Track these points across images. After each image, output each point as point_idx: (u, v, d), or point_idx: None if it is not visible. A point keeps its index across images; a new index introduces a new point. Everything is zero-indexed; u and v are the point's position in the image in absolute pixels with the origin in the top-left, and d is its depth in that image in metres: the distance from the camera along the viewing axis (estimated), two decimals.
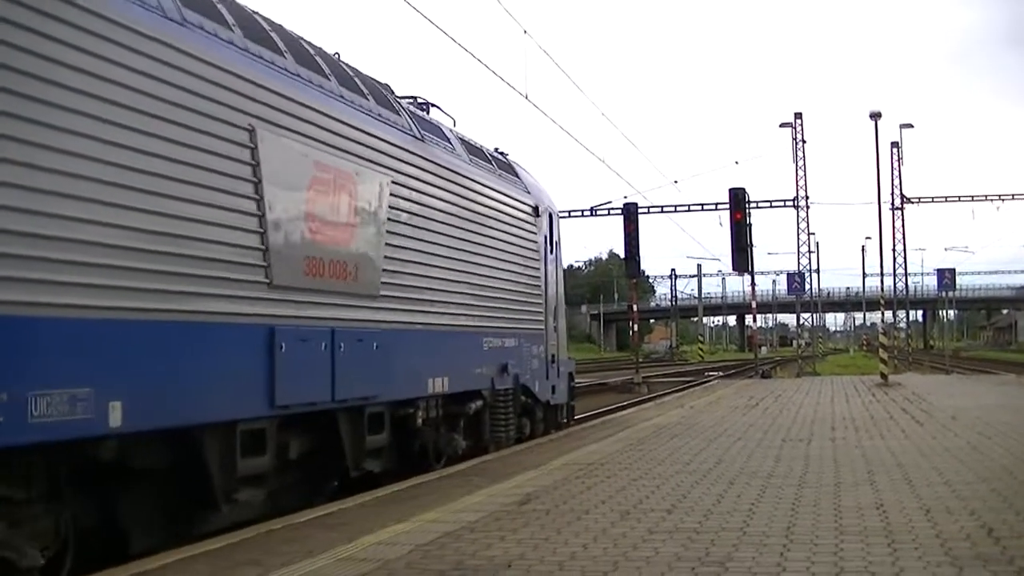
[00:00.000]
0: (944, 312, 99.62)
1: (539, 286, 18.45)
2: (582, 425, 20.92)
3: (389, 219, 12.29)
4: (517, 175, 18.41)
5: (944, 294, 56.85)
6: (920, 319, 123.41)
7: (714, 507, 9.51)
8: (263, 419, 9.79)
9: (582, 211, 55.97)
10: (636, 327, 56.52)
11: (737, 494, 10.29)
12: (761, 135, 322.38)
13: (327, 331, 10.79)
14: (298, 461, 10.88)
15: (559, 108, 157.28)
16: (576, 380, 22.51)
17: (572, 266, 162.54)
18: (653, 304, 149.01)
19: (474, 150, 16.34)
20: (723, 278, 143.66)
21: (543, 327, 18.65)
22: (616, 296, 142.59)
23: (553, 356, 19.25)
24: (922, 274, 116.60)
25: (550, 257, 19.43)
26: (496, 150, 18.27)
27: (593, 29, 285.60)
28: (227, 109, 9.22)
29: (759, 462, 12.90)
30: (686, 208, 57.16)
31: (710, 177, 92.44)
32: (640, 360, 55.74)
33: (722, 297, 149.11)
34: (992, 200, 64.24)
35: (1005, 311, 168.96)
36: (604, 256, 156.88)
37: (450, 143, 15.14)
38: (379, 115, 12.73)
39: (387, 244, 12.20)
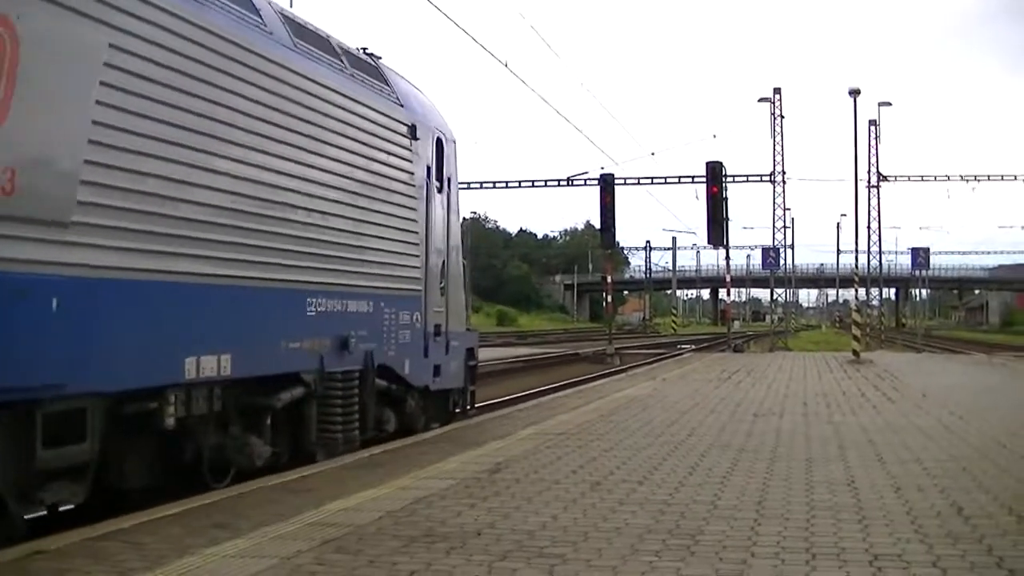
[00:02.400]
0: (917, 291, 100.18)
1: (415, 232, 13.96)
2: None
3: (102, 103, 7.97)
4: (386, 81, 13.79)
5: (917, 273, 57.12)
6: (893, 297, 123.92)
7: (685, 479, 9.52)
8: None
9: (558, 181, 55.97)
10: (610, 298, 56.56)
11: (708, 467, 10.30)
12: (739, 109, 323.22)
13: None
14: None
15: (539, 78, 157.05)
16: (480, 357, 17.75)
17: (548, 236, 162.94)
18: (627, 276, 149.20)
19: (307, 35, 11.78)
20: (698, 251, 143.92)
21: (420, 288, 14.07)
22: (591, 267, 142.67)
23: (438, 327, 14.75)
24: (896, 252, 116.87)
25: (437, 197, 14.91)
26: (364, 50, 13.92)
27: None
28: None
29: (731, 435, 12.92)
30: (663, 180, 57.28)
31: (687, 150, 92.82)
32: (613, 331, 55.78)
33: (696, 270, 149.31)
34: (967, 180, 64.64)
35: (977, 291, 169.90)
36: (580, 227, 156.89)
37: (259, 17, 10.60)
38: None
39: (95, 142, 7.92)
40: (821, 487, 9.11)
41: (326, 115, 11.58)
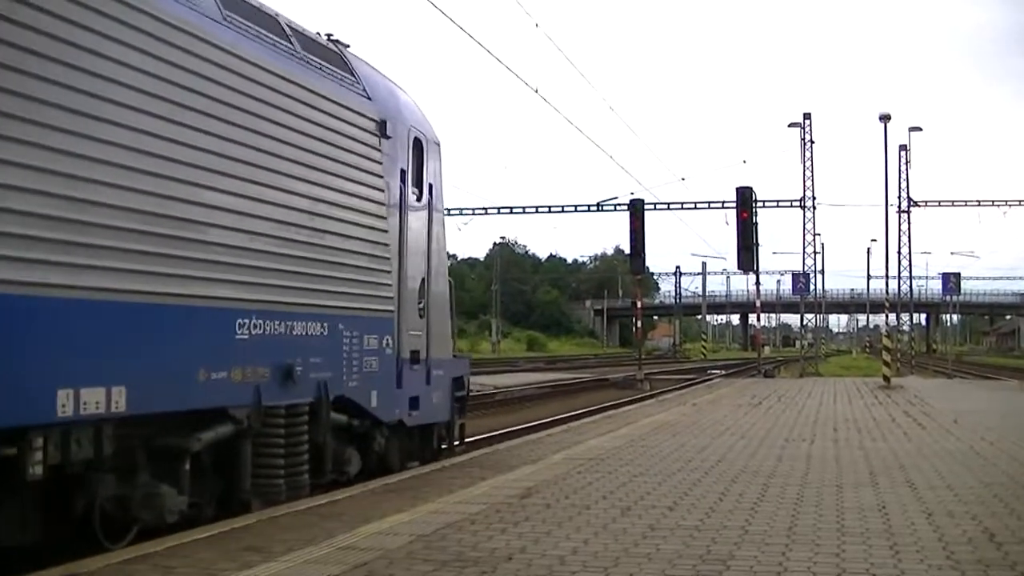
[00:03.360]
0: (948, 316, 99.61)
1: (385, 245, 12.04)
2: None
3: None
4: (351, 71, 12.07)
5: (948, 298, 56.84)
6: (923, 323, 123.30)
7: (716, 505, 9.51)
8: None
9: (588, 206, 55.99)
10: (639, 323, 56.49)
11: (739, 493, 10.29)
12: (769, 134, 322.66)
13: None
14: None
15: (568, 103, 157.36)
16: (470, 386, 15.69)
17: (578, 261, 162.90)
18: (657, 301, 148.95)
19: (243, 8, 10.01)
20: (728, 276, 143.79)
21: (392, 310, 12.17)
22: (620, 292, 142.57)
23: (416, 353, 12.88)
24: (927, 277, 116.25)
25: (415, 206, 13.04)
26: (328, 36, 12.28)
27: (604, 25, 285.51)
28: None
29: (761, 461, 12.90)
30: (692, 205, 57.32)
31: (717, 175, 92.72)
32: (643, 357, 55.67)
33: (726, 295, 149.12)
34: (999, 205, 64.51)
35: (1008, 316, 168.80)
36: (609, 252, 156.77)
37: None
38: None
39: None
40: (852, 513, 9.09)
41: (265, 103, 9.72)
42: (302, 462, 10.37)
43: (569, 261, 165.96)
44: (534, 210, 62.90)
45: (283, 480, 10.02)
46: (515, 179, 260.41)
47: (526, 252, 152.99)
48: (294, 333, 10.09)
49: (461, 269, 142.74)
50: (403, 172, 12.66)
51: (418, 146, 13.29)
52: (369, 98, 12.08)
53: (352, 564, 6.98)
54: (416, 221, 13.03)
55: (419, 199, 13.22)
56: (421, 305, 13.13)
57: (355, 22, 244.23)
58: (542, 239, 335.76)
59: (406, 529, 8.26)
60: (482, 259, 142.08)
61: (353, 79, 11.88)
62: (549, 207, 62.53)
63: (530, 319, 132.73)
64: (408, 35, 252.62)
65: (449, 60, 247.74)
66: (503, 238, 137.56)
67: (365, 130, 11.73)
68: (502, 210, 61.37)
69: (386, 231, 12.07)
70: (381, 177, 12.00)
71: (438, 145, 14.14)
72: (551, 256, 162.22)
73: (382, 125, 12.11)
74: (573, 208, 61.18)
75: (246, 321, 9.30)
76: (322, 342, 10.59)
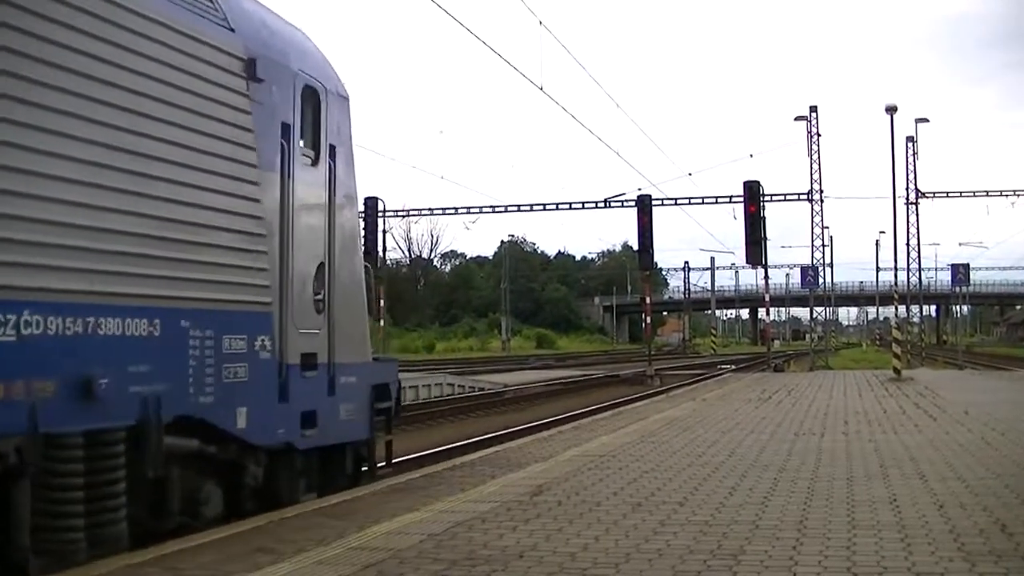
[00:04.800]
0: (957, 307, 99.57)
1: (256, 219, 9.47)
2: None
3: None
4: None
5: (958, 289, 56.79)
6: (933, 314, 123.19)
7: (726, 500, 9.50)
8: None
9: (596, 203, 55.95)
10: (649, 319, 56.45)
11: (750, 487, 10.28)
12: (776, 128, 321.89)
13: None
14: None
15: (574, 100, 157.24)
16: (400, 395, 12.94)
17: (586, 258, 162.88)
18: (666, 297, 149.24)
19: None
20: (736, 271, 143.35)
21: (270, 302, 9.65)
22: (629, 288, 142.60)
23: (311, 357, 10.40)
24: (936, 269, 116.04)
25: (307, 171, 10.55)
26: None
27: (608, 21, 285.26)
28: None
29: (772, 455, 12.88)
30: (700, 201, 57.18)
31: (724, 170, 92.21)
32: (652, 352, 55.67)
33: (735, 290, 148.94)
34: (1007, 196, 64.14)
35: (1018, 307, 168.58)
36: (617, 248, 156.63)
37: None
38: None
39: None
40: (863, 505, 9.07)
41: (45, 17, 7.22)
42: (115, 507, 7.79)
43: (577, 258, 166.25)
44: (542, 208, 62.86)
45: (83, 533, 7.47)
46: (522, 177, 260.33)
47: (534, 250, 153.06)
48: (100, 333, 7.57)
49: (470, 267, 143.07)
50: (287, 128, 10.11)
51: (311, 97, 10.71)
52: (231, 29, 9.41)
53: (363, 564, 6.97)
54: (309, 190, 10.52)
55: (314, 163, 10.73)
56: (319, 297, 10.63)
57: (356, 21, 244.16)
58: (550, 236, 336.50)
59: (417, 528, 8.26)
60: (491, 257, 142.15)
61: (208, 4, 9.20)
62: (557, 204, 62.53)
63: (539, 316, 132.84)
64: (412, 34, 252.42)
65: (454, 59, 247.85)
66: (511, 236, 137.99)
67: (222, 68, 9.12)
68: (510, 208, 61.36)
69: (258, 200, 9.49)
70: (249, 131, 9.40)
71: (345, 99, 11.63)
72: (559, 253, 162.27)
73: (249, 65, 9.45)
74: (581, 205, 61.16)
75: (12, 317, 6.81)
76: (150, 345, 8.01)
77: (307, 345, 10.35)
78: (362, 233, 12.43)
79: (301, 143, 10.47)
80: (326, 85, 11.06)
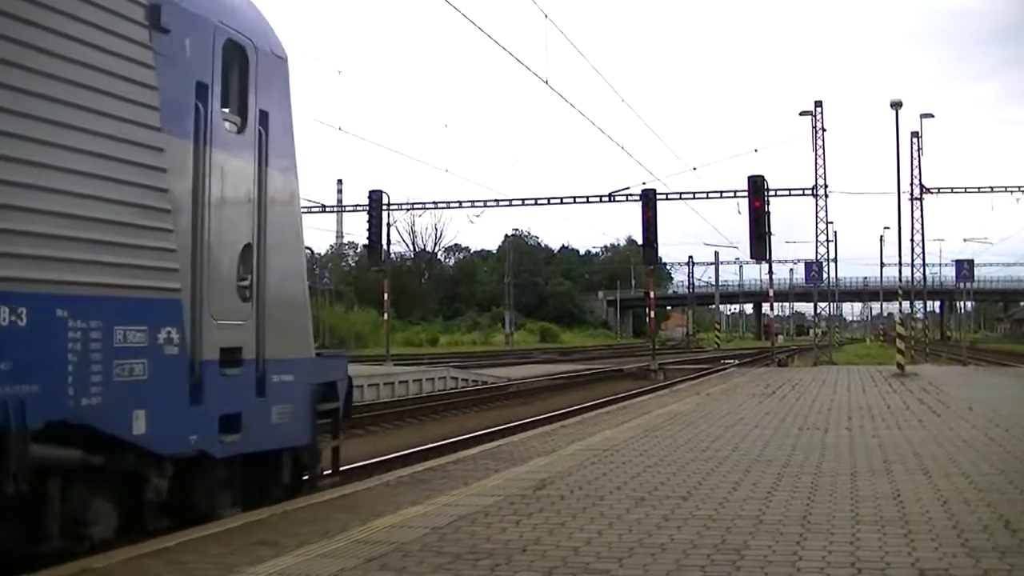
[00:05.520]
0: (961, 303, 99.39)
1: (160, 191, 8.13)
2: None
3: None
4: None
5: (962, 285, 56.70)
6: (937, 310, 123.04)
7: (730, 495, 9.49)
8: None
9: (600, 197, 55.82)
10: (653, 314, 56.48)
11: (753, 482, 10.27)
12: (781, 123, 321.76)
13: None
14: None
15: (579, 94, 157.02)
16: (351, 394, 11.69)
17: (590, 252, 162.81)
18: (670, 291, 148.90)
19: None
20: (740, 266, 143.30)
21: (177, 287, 8.27)
22: (633, 283, 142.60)
23: (233, 352, 9.07)
24: (940, 265, 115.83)
25: (230, 139, 9.22)
26: None
27: (613, 15, 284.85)
28: None
29: (775, 450, 12.88)
30: (704, 195, 56.94)
31: (729, 164, 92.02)
32: (656, 347, 55.68)
33: (739, 285, 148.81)
34: (1012, 192, 64.01)
35: (1023, 303, 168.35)
36: (622, 242, 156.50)
37: None
38: None
39: None
40: (866, 501, 9.07)
41: None
42: None
43: (582, 252, 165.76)
44: (546, 201, 62.64)
45: None
46: (527, 171, 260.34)
47: (538, 244, 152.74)
48: None
49: (474, 261, 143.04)
50: (203, 88, 8.75)
51: (236, 55, 9.37)
52: None
53: (366, 557, 6.97)
54: (233, 160, 9.19)
55: (240, 130, 9.42)
56: (245, 283, 9.31)
57: (361, 13, 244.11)
58: (554, 230, 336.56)
59: (420, 522, 8.26)
60: (495, 251, 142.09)
61: None
62: (561, 198, 62.27)
63: (543, 311, 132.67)
64: (418, 28, 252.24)
65: (459, 53, 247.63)
66: (516, 230, 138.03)
67: (114, 12, 7.80)
68: (514, 202, 61.14)
69: (162, 169, 8.14)
70: (151, 89, 8.05)
71: (282, 60, 10.31)
72: (563, 247, 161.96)
73: (153, 11, 8.13)
74: (585, 199, 60.89)
75: None
76: (11, 338, 6.73)
77: (228, 338, 9.00)
78: (302, 211, 11.04)
79: (223, 106, 9.12)
80: (256, 42, 9.68)
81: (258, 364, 9.41)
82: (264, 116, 9.72)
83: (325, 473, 10.99)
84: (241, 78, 9.43)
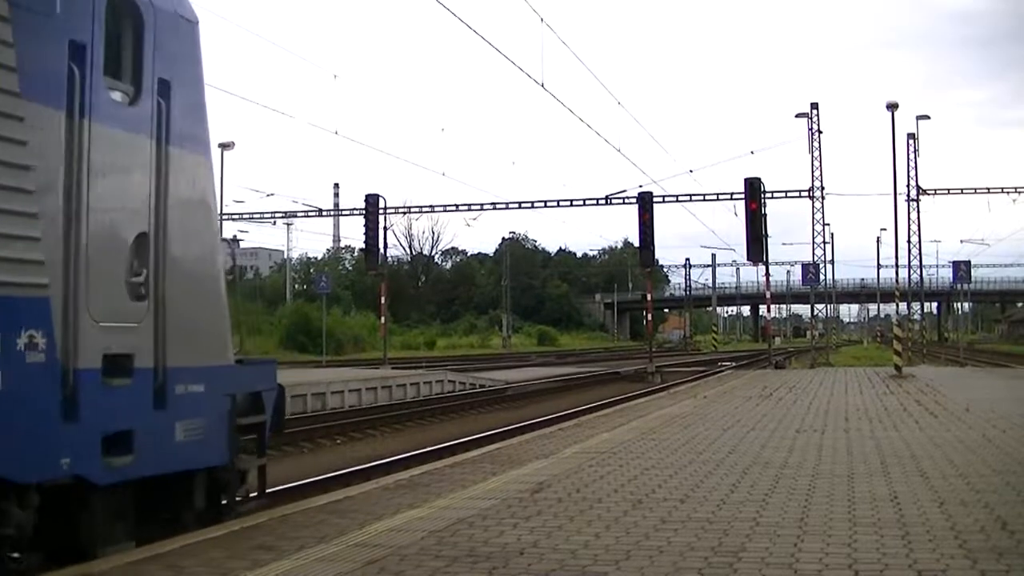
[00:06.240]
0: (959, 304, 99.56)
1: (21, 169, 6.79)
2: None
3: None
4: None
5: (959, 286, 56.76)
6: (934, 311, 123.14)
7: (727, 497, 9.49)
8: None
9: (597, 200, 55.84)
10: (650, 316, 56.46)
11: (750, 484, 10.27)
12: (777, 125, 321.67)
13: None
14: None
15: (575, 97, 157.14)
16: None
17: (587, 255, 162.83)
18: (667, 294, 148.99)
19: None
20: (737, 268, 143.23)
21: (43, 283, 6.92)
22: (630, 285, 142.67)
23: (123, 359, 7.67)
24: (937, 266, 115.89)
25: (119, 111, 7.87)
26: None
27: (609, 18, 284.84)
28: None
29: (772, 452, 12.88)
30: (701, 198, 56.96)
31: (725, 167, 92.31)
32: (653, 349, 55.69)
33: (736, 287, 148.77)
34: (1008, 192, 64.05)
35: (1020, 304, 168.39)
36: (618, 245, 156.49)
37: None
38: None
39: None
40: (864, 503, 9.07)
41: None
42: None
43: (578, 255, 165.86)
44: (543, 204, 62.69)
45: None
46: (524, 174, 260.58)
47: (536, 246, 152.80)
48: None
49: (471, 264, 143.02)
50: (79, 48, 7.41)
51: (127, 13, 8.08)
52: None
53: (364, 561, 6.98)
54: (121, 135, 7.87)
55: (133, 101, 8.09)
56: (140, 279, 7.95)
57: (357, 17, 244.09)
58: (551, 233, 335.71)
59: (418, 525, 8.26)
60: (492, 254, 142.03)
61: None
62: (558, 201, 62.32)
63: (540, 313, 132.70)
64: (414, 31, 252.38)
65: (456, 56, 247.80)
66: (512, 233, 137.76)
67: None
68: (511, 205, 61.16)
69: (23, 143, 6.84)
70: (8, 46, 6.77)
71: (191, 24, 8.92)
72: (560, 250, 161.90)
73: None
74: (582, 202, 60.95)
75: None
76: None
77: (115, 343, 7.63)
78: (216, 196, 9.40)
79: (108, 73, 7.80)
80: (155, 2, 8.31)
81: (156, 373, 8.04)
82: (165, 86, 8.34)
83: (251, 496, 9.74)
84: (135, 41, 8.10)
